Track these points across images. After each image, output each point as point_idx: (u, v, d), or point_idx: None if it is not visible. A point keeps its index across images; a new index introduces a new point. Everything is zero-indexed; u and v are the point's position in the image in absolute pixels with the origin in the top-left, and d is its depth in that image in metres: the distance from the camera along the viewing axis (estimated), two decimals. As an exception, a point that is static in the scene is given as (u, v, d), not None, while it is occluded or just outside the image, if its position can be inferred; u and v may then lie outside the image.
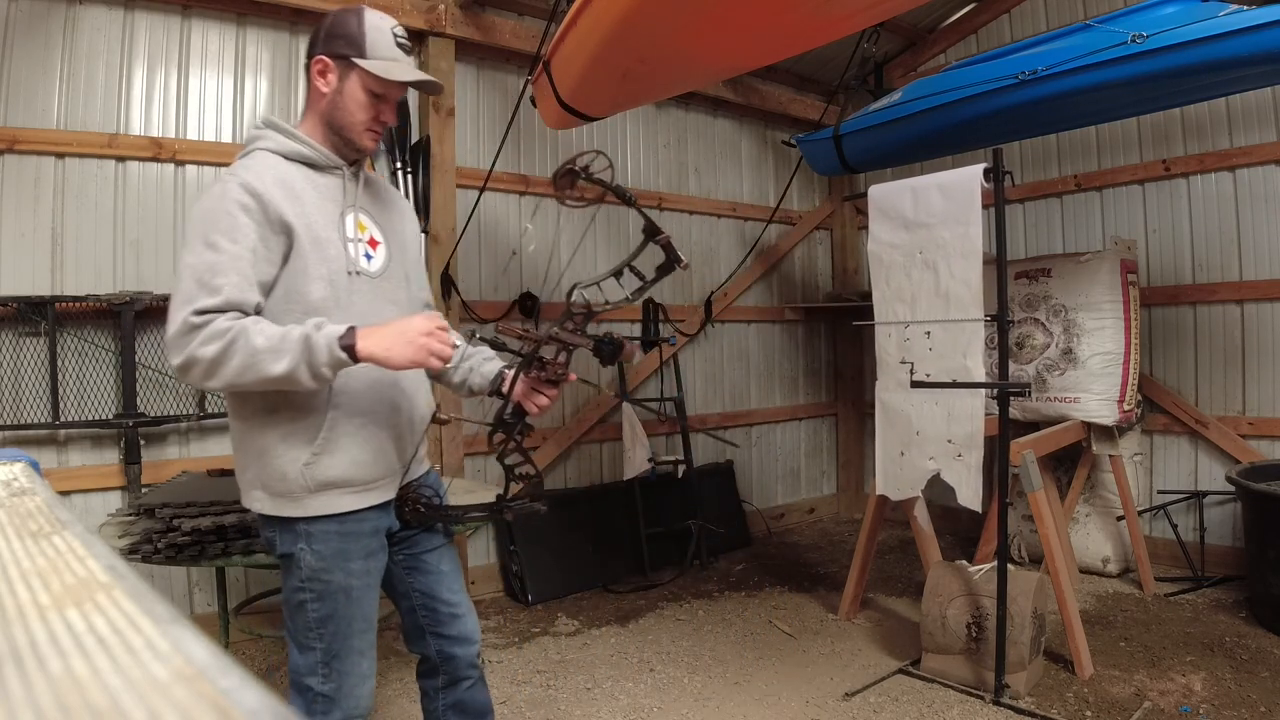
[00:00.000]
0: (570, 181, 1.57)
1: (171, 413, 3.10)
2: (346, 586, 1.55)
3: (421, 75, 1.60)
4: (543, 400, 1.61)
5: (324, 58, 1.53)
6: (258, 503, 1.54)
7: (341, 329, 1.39)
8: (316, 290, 1.50)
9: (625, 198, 1.57)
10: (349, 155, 1.61)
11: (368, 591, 1.59)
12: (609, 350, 1.57)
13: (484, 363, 1.74)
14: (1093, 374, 3.65)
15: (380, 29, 1.54)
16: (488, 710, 1.86)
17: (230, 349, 1.34)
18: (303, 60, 1.62)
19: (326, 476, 1.51)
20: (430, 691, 1.82)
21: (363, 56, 1.51)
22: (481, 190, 3.70)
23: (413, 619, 1.77)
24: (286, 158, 1.54)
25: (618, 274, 1.63)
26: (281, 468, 1.49)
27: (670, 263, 1.59)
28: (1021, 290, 3.89)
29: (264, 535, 1.61)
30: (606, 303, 1.63)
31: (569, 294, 1.58)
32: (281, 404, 1.48)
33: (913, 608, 3.52)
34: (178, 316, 1.37)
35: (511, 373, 1.63)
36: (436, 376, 1.78)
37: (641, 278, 1.64)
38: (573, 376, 1.61)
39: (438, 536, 1.78)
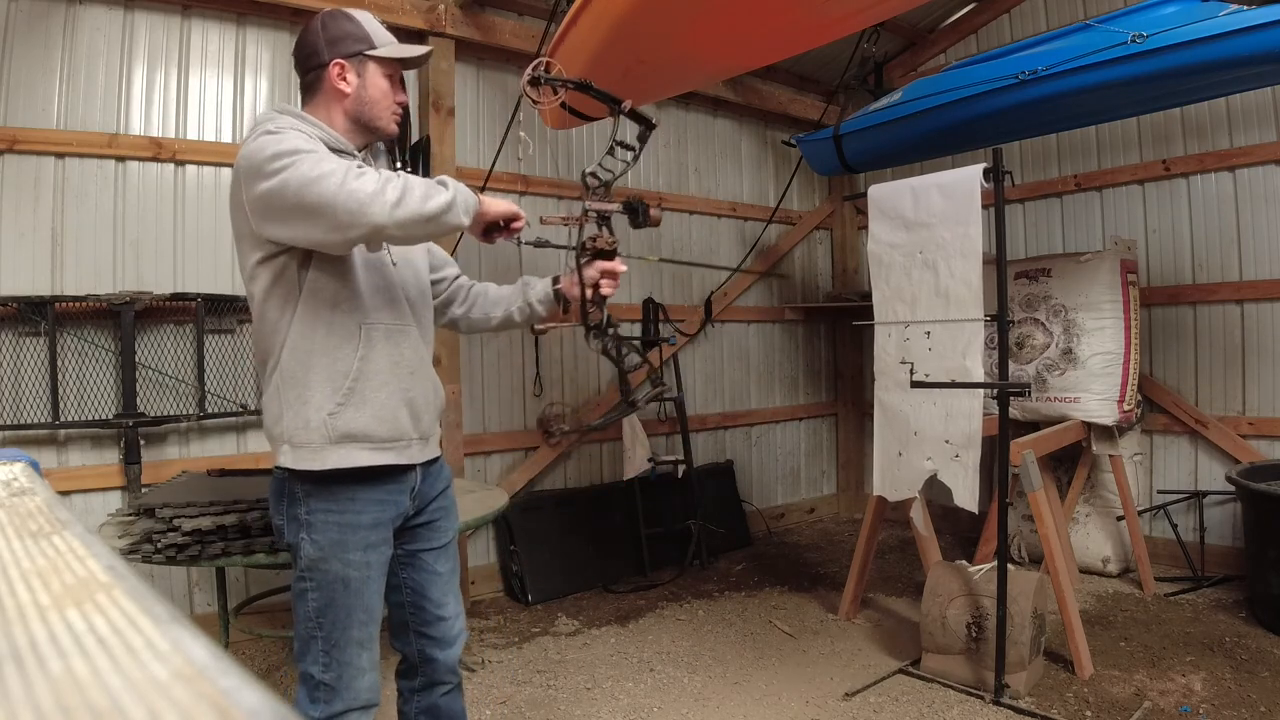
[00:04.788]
0: (535, 88, 1.73)
1: (171, 413, 3.09)
2: (344, 577, 1.58)
3: (424, 48, 1.72)
4: (611, 280, 1.75)
5: (340, 61, 1.61)
6: (284, 456, 1.58)
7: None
8: (354, 257, 1.58)
9: (583, 87, 1.73)
10: (367, 143, 1.71)
11: (367, 584, 1.61)
12: (641, 210, 1.75)
13: (534, 286, 1.89)
14: (1093, 374, 3.65)
15: (372, 20, 1.67)
16: None
17: (408, 181, 1.44)
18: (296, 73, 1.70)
19: (348, 428, 1.56)
20: (406, 692, 1.81)
21: (373, 47, 1.63)
22: (481, 190, 3.69)
23: (400, 614, 1.78)
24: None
25: (611, 150, 1.79)
26: (307, 415, 1.55)
27: (646, 127, 1.76)
28: (1021, 290, 3.89)
29: (274, 523, 1.67)
30: (620, 166, 1.80)
31: (583, 174, 1.75)
32: (320, 353, 1.56)
33: (913, 608, 3.52)
34: (328, 167, 1.40)
35: (566, 275, 1.81)
36: (503, 325, 1.94)
37: (630, 148, 1.80)
38: (621, 267, 1.76)
39: (440, 536, 1.80)
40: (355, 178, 1.39)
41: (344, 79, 1.62)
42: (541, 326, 1.87)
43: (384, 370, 1.61)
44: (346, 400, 1.56)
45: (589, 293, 1.72)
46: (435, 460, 1.80)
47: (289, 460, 1.57)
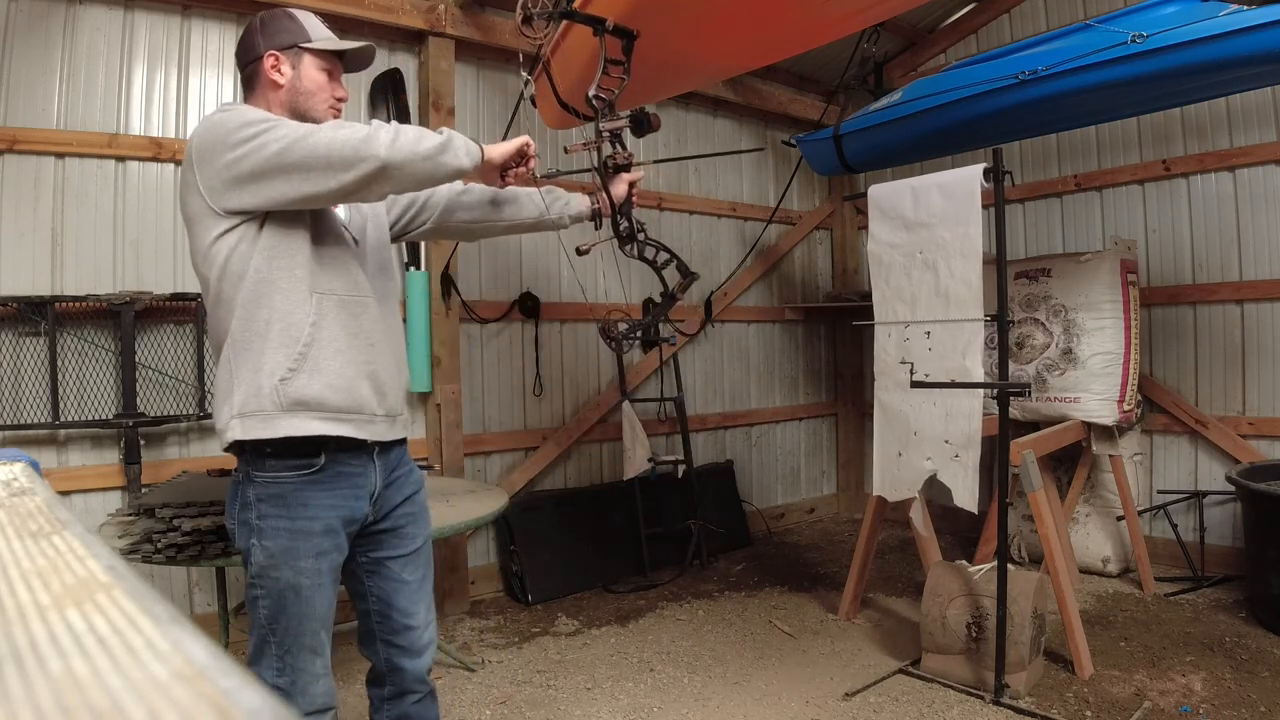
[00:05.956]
0: (528, 25, 1.89)
1: (171, 413, 3.09)
2: (295, 584, 1.54)
3: (361, 42, 1.73)
4: (635, 190, 1.97)
5: (274, 52, 1.63)
6: (232, 431, 1.52)
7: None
8: (308, 230, 1.58)
9: (569, 15, 1.90)
10: None
11: (318, 590, 1.57)
12: (644, 120, 1.92)
13: (570, 205, 2.00)
14: (1093, 374, 3.65)
15: (310, 16, 1.69)
16: None
17: (398, 125, 1.50)
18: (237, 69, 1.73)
19: (300, 395, 1.51)
20: (376, 701, 1.78)
21: (309, 40, 1.65)
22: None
23: (366, 622, 1.74)
24: None
25: (605, 69, 1.97)
26: (259, 382, 1.50)
27: (629, 39, 1.92)
28: (1021, 290, 3.89)
29: (227, 527, 1.65)
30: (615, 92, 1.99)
31: (588, 97, 1.92)
32: (273, 320, 1.53)
33: (913, 608, 3.52)
34: (309, 126, 1.47)
35: (600, 194, 1.99)
36: (534, 225, 2.00)
37: (620, 63, 1.98)
38: (640, 174, 1.98)
39: (406, 543, 1.75)
40: (343, 127, 1.46)
41: (278, 70, 1.63)
42: (585, 247, 1.99)
43: (339, 338, 1.56)
44: (299, 366, 1.51)
45: (618, 205, 1.93)
46: (401, 451, 1.75)
47: (238, 432, 1.50)
